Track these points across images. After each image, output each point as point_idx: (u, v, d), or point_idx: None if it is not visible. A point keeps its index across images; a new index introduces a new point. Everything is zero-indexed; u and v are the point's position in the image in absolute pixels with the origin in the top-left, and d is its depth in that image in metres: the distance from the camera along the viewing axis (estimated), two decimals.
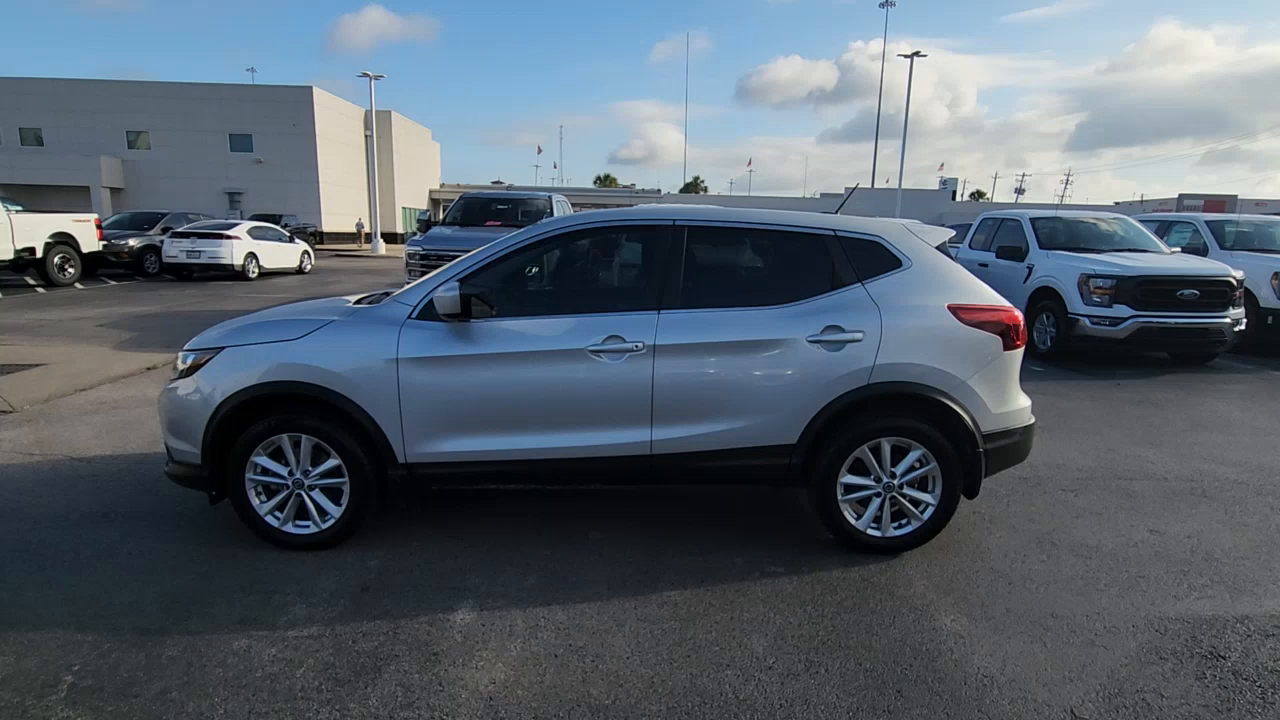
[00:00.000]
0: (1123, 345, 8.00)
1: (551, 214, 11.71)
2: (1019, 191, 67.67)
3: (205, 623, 2.73)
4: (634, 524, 3.69)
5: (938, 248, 3.45)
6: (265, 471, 3.28)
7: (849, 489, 3.33)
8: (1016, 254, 9.35)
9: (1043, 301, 8.77)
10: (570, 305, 3.42)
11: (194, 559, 3.25)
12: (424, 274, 3.67)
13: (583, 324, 3.24)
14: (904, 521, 3.37)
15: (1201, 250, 10.22)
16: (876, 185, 44.57)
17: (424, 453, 3.25)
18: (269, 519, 3.31)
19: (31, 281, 14.51)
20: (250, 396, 3.20)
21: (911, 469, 3.30)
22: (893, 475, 3.30)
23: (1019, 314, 3.40)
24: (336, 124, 39.51)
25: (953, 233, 3.62)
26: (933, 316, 3.27)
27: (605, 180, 79.54)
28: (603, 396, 3.22)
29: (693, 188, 72.66)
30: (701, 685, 2.42)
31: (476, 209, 12.36)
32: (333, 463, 3.26)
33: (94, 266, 15.83)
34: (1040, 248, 9.15)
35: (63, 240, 14.47)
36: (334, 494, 3.32)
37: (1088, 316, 8.09)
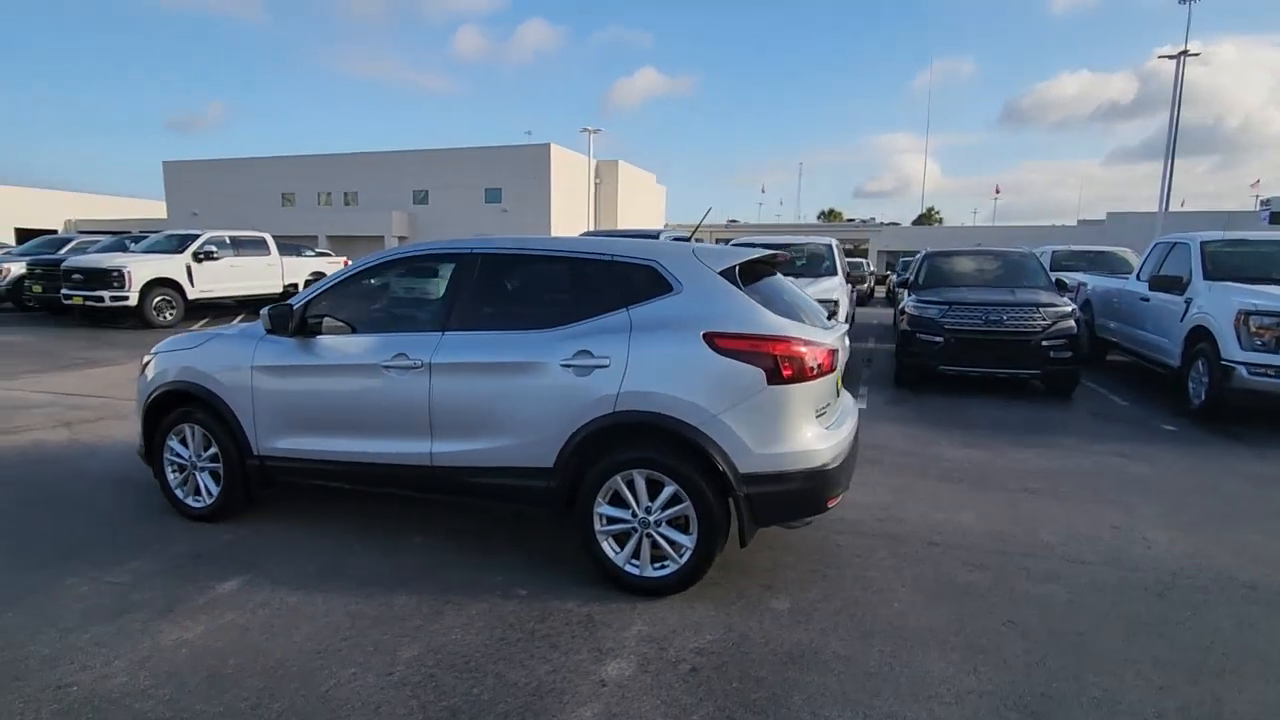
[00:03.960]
0: None
1: None
2: None
3: (60, 562, 3.50)
4: (466, 534, 3.86)
5: (722, 272, 3.19)
6: (175, 454, 4.09)
7: (609, 520, 3.19)
8: (1175, 285, 7.56)
9: (1199, 344, 6.96)
10: (380, 326, 3.80)
11: (115, 520, 4.05)
12: None
13: (382, 342, 3.58)
14: (665, 562, 3.13)
15: None
16: (1171, 208, 37.16)
17: (269, 448, 3.81)
18: (176, 491, 4.10)
19: None
20: (162, 393, 4.05)
21: (668, 506, 3.07)
22: (649, 511, 3.10)
23: (800, 346, 2.99)
24: (569, 174, 44.16)
25: (755, 254, 3.26)
26: (684, 344, 3.04)
27: (830, 215, 77.38)
28: (391, 408, 3.51)
29: (926, 219, 67.76)
30: (311, 676, 2.57)
31: None
32: (214, 450, 3.97)
33: None
34: (1205, 278, 7.29)
35: (318, 277, 18.31)
36: (216, 477, 4.02)
37: (1245, 364, 6.25)
